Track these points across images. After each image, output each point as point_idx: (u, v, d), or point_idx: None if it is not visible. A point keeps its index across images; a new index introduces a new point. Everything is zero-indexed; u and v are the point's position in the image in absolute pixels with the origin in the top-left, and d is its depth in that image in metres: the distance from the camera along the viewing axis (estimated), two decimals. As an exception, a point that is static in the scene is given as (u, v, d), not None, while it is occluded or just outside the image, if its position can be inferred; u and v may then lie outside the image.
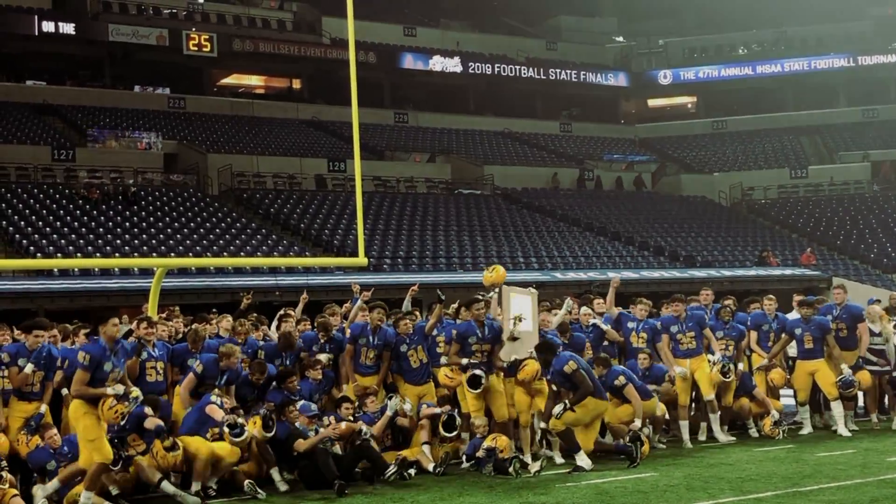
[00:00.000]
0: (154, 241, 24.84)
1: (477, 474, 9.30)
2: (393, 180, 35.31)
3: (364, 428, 9.30)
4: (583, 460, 9.30)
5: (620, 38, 53.37)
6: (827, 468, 9.02)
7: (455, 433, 9.48)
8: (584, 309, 11.26)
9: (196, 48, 38.32)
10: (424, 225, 31.02)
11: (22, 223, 24.68)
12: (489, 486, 8.64)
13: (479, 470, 9.29)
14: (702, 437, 11.06)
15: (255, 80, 43.81)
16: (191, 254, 23.93)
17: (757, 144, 45.23)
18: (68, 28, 36.68)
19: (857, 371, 11.33)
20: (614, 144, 46.15)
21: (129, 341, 8.53)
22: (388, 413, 9.53)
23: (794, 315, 11.99)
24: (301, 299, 11.64)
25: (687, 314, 11.04)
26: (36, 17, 36.34)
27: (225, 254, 24.55)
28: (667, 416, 10.94)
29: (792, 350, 11.75)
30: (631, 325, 11.10)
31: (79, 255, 22.76)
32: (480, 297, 10.16)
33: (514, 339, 9.71)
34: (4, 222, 24.67)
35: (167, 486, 8.25)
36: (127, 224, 26.14)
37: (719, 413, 10.88)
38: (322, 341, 10.27)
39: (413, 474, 9.07)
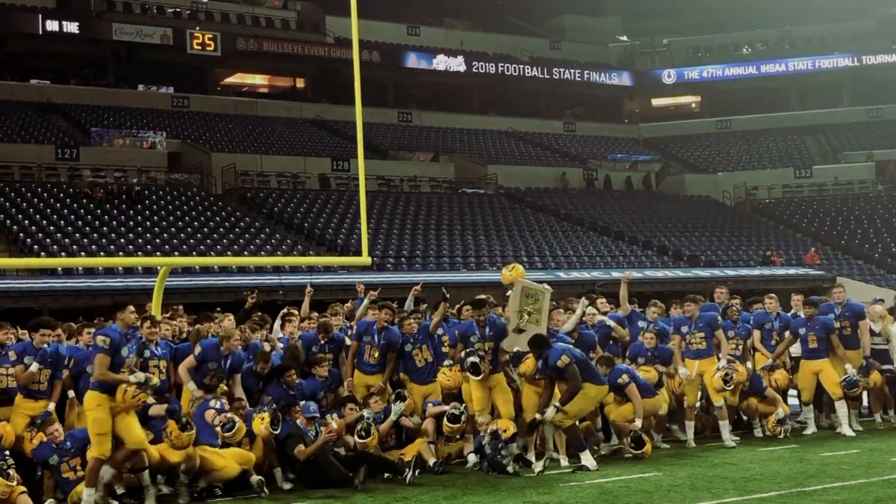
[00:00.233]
0: (158, 240, 24.86)
1: (481, 474, 9.30)
2: (396, 179, 35.31)
3: (366, 413, 9.30)
4: (587, 459, 9.29)
5: (624, 38, 53.30)
6: (831, 468, 9.01)
7: (459, 425, 9.44)
8: (588, 308, 11.25)
9: (200, 47, 38.35)
10: (428, 224, 31.02)
11: (26, 222, 24.72)
12: (493, 486, 8.64)
13: (485, 465, 9.27)
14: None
15: (258, 80, 43.84)
16: (195, 253, 23.96)
17: (761, 144, 45.16)
18: (72, 27, 36.72)
19: (868, 373, 11.31)
20: (618, 144, 46.11)
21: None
22: (392, 417, 9.53)
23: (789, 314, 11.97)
24: (306, 293, 11.65)
25: (698, 315, 10.95)
26: (40, 16, 36.39)
27: (229, 253, 24.57)
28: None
29: (794, 350, 11.72)
30: (641, 324, 11.11)
31: (83, 253, 22.80)
32: (486, 297, 10.16)
33: (519, 331, 9.74)
34: (9, 221, 24.72)
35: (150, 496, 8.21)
36: (131, 223, 26.17)
37: (728, 420, 10.81)
38: (322, 342, 10.26)
39: (418, 473, 9.08)
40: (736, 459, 9.67)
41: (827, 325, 11.23)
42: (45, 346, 8.86)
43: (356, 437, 9.15)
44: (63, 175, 29.82)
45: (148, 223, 26.39)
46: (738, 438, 10.86)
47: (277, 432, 8.76)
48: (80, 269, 21.63)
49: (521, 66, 45.74)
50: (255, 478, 8.55)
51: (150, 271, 19.96)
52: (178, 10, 40.73)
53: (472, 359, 9.56)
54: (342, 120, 38.22)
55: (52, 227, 24.65)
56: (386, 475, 9.10)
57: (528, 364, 9.77)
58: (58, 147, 31.23)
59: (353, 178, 32.25)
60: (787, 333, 11.52)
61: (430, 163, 38.43)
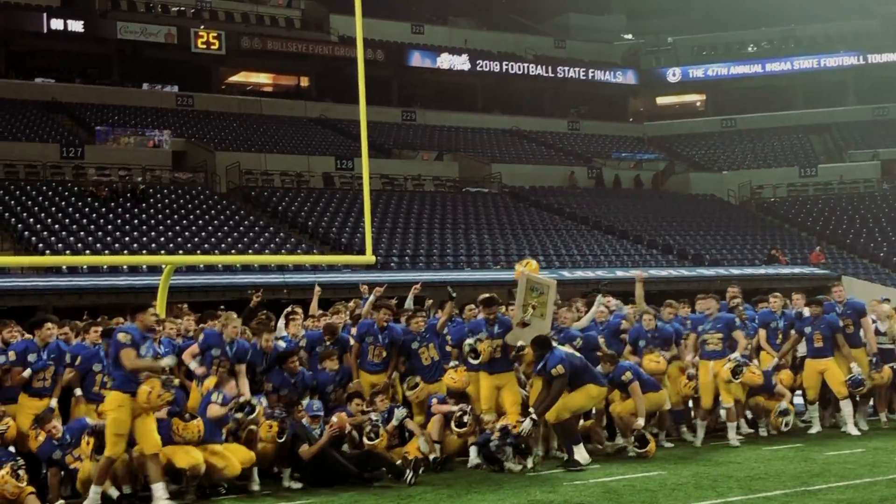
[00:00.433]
0: (162, 239, 24.89)
1: (484, 472, 9.29)
2: (400, 178, 35.32)
3: (373, 416, 9.31)
4: (580, 455, 9.28)
5: (629, 36, 53.24)
6: (836, 467, 8.98)
7: (465, 429, 9.43)
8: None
9: (204, 46, 38.39)
10: (432, 223, 31.02)
11: (31, 220, 24.77)
12: (497, 484, 8.63)
13: (492, 461, 9.26)
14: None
15: (263, 78, 43.88)
16: (199, 251, 23.99)
17: (766, 143, 45.07)
18: (77, 26, 36.78)
19: (878, 370, 11.28)
20: (623, 142, 46.05)
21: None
22: (394, 423, 9.50)
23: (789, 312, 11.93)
24: (315, 292, 11.65)
25: (717, 315, 10.78)
26: (45, 14, 36.46)
27: (233, 251, 24.60)
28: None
29: (800, 349, 11.68)
30: (669, 329, 11.03)
31: (87, 252, 22.85)
32: (494, 296, 10.18)
33: (524, 324, 9.73)
34: (14, 220, 24.77)
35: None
36: (135, 221, 26.20)
37: (736, 422, 10.77)
38: (328, 343, 10.27)
39: (421, 471, 9.08)
40: (740, 458, 9.65)
41: (832, 324, 11.20)
42: (49, 342, 8.88)
43: (365, 438, 9.15)
44: (68, 174, 29.88)
45: (152, 222, 26.43)
46: (742, 437, 10.83)
47: (282, 441, 8.75)
48: (85, 267, 21.70)
49: (526, 65, 45.71)
50: (254, 485, 8.56)
51: (155, 270, 19.97)
52: (182, 8, 40.79)
53: (468, 341, 9.63)
54: (346, 119, 38.26)
55: (56, 226, 24.70)
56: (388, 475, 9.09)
57: (530, 356, 9.77)
58: (62, 146, 31.30)
59: (356, 177, 32.19)
60: (792, 332, 11.48)
61: (433, 162, 38.41)
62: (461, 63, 44.30)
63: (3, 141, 30.83)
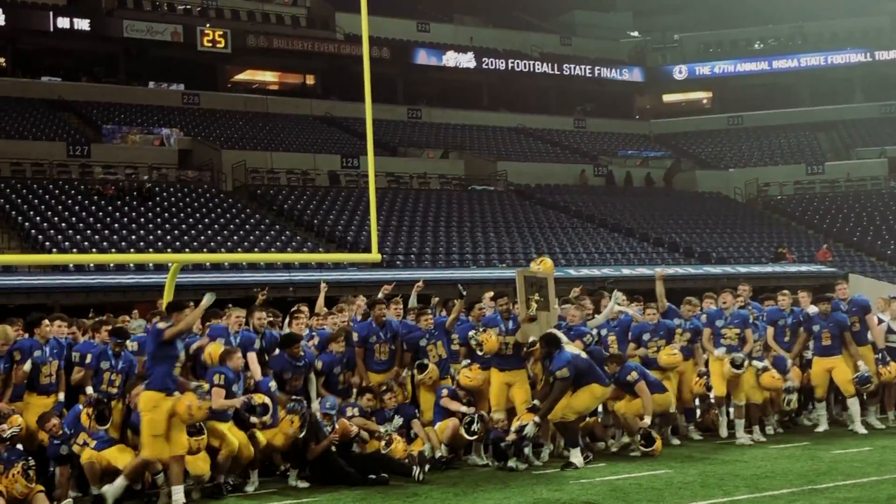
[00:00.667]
0: (169, 237, 24.93)
1: (490, 470, 9.29)
2: (406, 176, 35.30)
3: (383, 429, 9.30)
4: (576, 457, 9.28)
5: (635, 33, 53.12)
6: (843, 465, 8.96)
7: (475, 437, 9.38)
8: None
9: (210, 44, 38.42)
10: (438, 221, 31.01)
11: (38, 219, 24.82)
12: (503, 482, 8.63)
13: (500, 458, 9.24)
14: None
15: (268, 77, 43.90)
16: (205, 249, 24.02)
17: (773, 140, 44.94)
18: (83, 24, 36.83)
19: (885, 365, 11.23)
20: (629, 140, 45.95)
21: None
22: (391, 429, 9.43)
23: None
24: (321, 289, 11.66)
25: (732, 311, 10.81)
26: (51, 13, 36.52)
27: (239, 249, 24.62)
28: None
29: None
30: (677, 321, 11.00)
31: (94, 250, 22.89)
32: (503, 291, 10.20)
33: (531, 319, 9.72)
34: (20, 218, 24.83)
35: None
36: (142, 220, 26.25)
37: (744, 420, 10.74)
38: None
39: (428, 468, 9.07)
40: (747, 457, 9.63)
41: (841, 322, 11.16)
42: (48, 338, 8.91)
43: (382, 448, 9.14)
44: (74, 172, 29.94)
45: (159, 220, 26.47)
46: (750, 435, 10.78)
47: (302, 434, 8.75)
48: (92, 265, 21.74)
49: (532, 63, 45.64)
50: (250, 486, 8.59)
51: (162, 268, 20.01)
52: (188, 7, 40.83)
53: (471, 333, 9.69)
54: (352, 117, 38.24)
55: (63, 224, 24.75)
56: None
57: (538, 352, 9.77)
58: (69, 144, 31.37)
59: (362, 175, 32.23)
60: (801, 330, 11.43)
61: (439, 159, 38.39)
62: (467, 61, 44.25)
63: (10, 139, 30.90)
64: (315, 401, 9.42)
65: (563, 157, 41.44)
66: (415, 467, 8.76)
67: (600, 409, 10.46)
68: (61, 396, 8.83)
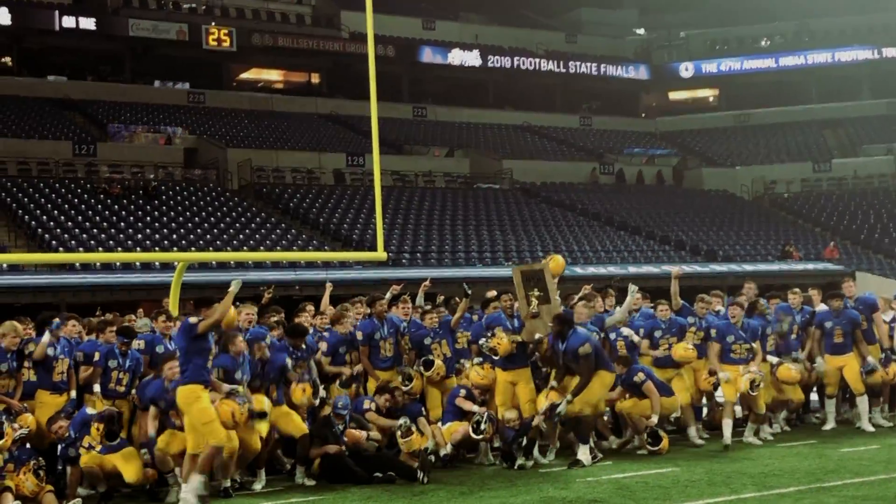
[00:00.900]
0: (174, 236, 24.97)
1: (496, 469, 9.27)
2: (412, 175, 35.29)
3: (400, 421, 9.26)
4: (584, 454, 9.24)
5: (641, 31, 53.01)
6: (850, 463, 8.93)
7: (482, 437, 9.33)
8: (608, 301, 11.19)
9: (215, 43, 38.44)
10: (443, 219, 30.99)
11: (44, 218, 24.88)
12: (510, 481, 8.61)
13: (507, 459, 9.23)
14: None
15: (274, 75, 43.92)
16: (211, 248, 24.05)
17: (780, 138, 44.82)
18: (89, 23, 36.89)
19: (888, 365, 11.19)
20: (635, 138, 45.86)
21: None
22: (398, 434, 9.43)
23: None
24: (326, 287, 11.65)
25: (743, 323, 10.47)
26: (56, 12, 36.59)
27: (245, 248, 24.65)
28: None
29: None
30: (690, 319, 10.91)
31: (100, 249, 22.95)
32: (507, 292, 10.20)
33: (533, 316, 9.70)
34: (27, 217, 24.89)
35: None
36: (148, 218, 26.29)
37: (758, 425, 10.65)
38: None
39: (433, 460, 9.07)
40: (754, 455, 9.60)
41: (853, 319, 11.10)
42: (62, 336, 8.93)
43: (399, 439, 9.13)
44: (80, 171, 30.02)
45: (165, 219, 26.51)
46: (762, 439, 10.72)
47: (317, 402, 8.74)
48: (98, 264, 21.79)
49: (537, 60, 45.59)
50: (258, 484, 8.60)
51: (168, 266, 20.03)
52: (193, 5, 40.88)
53: (482, 341, 9.67)
54: (357, 115, 38.24)
55: (69, 223, 24.80)
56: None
57: (542, 348, 9.75)
58: (75, 143, 31.43)
59: (368, 174, 32.25)
60: (813, 328, 11.32)
61: (445, 158, 38.37)
62: (472, 59, 44.21)
63: (16, 138, 30.99)
64: (321, 388, 9.39)
65: (569, 155, 41.39)
66: (419, 472, 8.75)
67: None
68: (73, 394, 8.84)
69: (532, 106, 45.57)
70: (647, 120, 48.45)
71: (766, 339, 10.82)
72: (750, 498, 7.65)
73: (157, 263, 21.63)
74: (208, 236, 25.39)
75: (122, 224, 25.53)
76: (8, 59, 37.97)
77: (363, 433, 9.10)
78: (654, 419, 9.88)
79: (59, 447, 8.40)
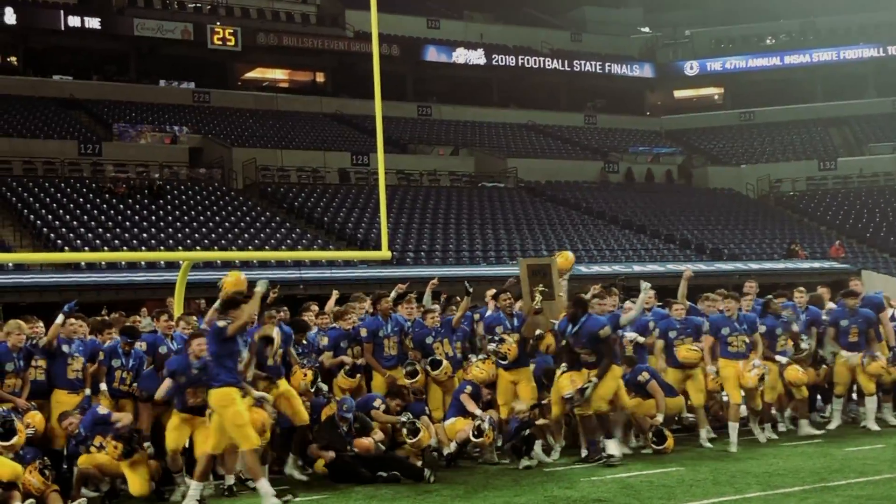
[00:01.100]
0: (180, 235, 25.00)
1: (501, 468, 9.26)
2: (416, 174, 35.28)
3: (404, 418, 9.25)
4: (614, 448, 9.22)
5: (646, 29, 52.92)
6: (855, 463, 8.91)
7: (482, 440, 9.28)
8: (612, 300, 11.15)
9: (220, 42, 38.49)
10: (448, 218, 30.99)
11: (49, 217, 24.93)
12: (514, 480, 8.61)
13: (517, 453, 9.23)
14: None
15: (278, 74, 43.95)
16: (216, 247, 24.07)
17: (785, 136, 44.72)
18: (94, 23, 36.96)
19: (893, 365, 11.15)
20: (640, 136, 45.79)
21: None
22: (404, 433, 9.42)
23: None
24: (333, 295, 11.67)
25: (739, 315, 10.37)
26: (62, 12, 36.67)
27: (250, 247, 24.67)
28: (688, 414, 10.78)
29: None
30: (698, 318, 10.84)
31: (105, 248, 22.99)
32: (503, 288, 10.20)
33: (536, 311, 9.68)
34: (32, 216, 24.95)
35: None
36: (153, 218, 26.33)
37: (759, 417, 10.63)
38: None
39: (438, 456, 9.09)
40: (759, 454, 9.59)
41: (869, 317, 11.08)
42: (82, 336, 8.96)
43: (406, 438, 9.14)
44: (86, 170, 30.07)
45: (170, 218, 26.55)
46: (775, 436, 10.66)
47: (313, 391, 8.79)
48: (103, 263, 21.81)
49: (542, 59, 45.55)
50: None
51: (173, 266, 20.04)
52: (198, 5, 40.91)
53: (490, 346, 9.66)
54: (362, 114, 38.25)
55: (75, 222, 24.85)
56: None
57: (545, 343, 9.72)
58: (80, 142, 31.49)
59: (372, 173, 32.25)
60: (828, 327, 11.26)
61: (449, 157, 38.36)
62: (477, 58, 44.17)
63: (22, 138, 31.07)
64: (325, 388, 9.40)
65: (574, 154, 41.35)
66: (426, 471, 8.75)
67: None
68: (87, 392, 8.86)
69: (537, 104, 45.53)
70: (652, 118, 48.38)
71: (778, 339, 10.70)
72: (755, 497, 7.63)
73: (162, 263, 21.65)
74: (213, 235, 25.42)
75: (128, 223, 25.57)
76: (13, 59, 38.06)
77: (372, 441, 9.03)
78: (660, 418, 9.87)
79: (68, 444, 8.38)
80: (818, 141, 44.43)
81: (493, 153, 39.02)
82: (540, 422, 9.59)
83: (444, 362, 9.92)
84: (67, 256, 20.82)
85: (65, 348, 8.76)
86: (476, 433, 9.18)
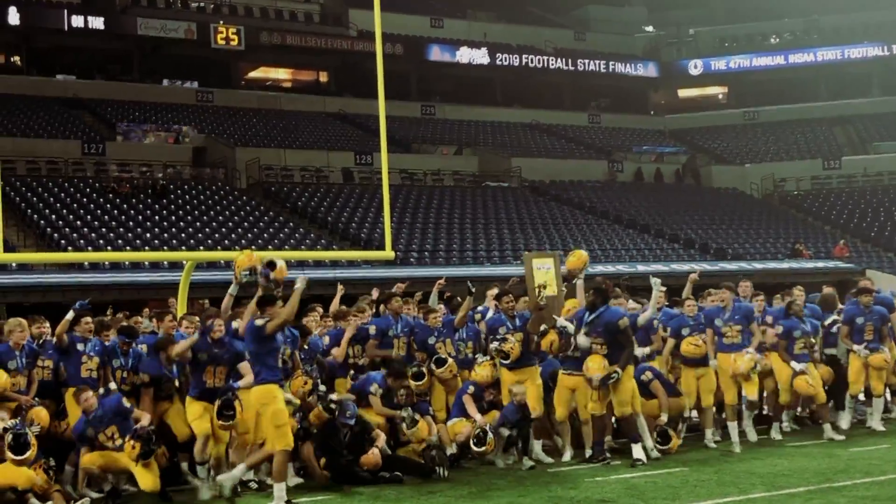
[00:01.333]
0: (183, 235, 25.01)
1: (505, 469, 9.24)
2: (420, 173, 35.28)
3: (404, 413, 9.22)
4: (639, 453, 9.17)
5: (650, 28, 52.85)
6: (860, 463, 8.89)
7: (484, 448, 9.19)
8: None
9: (224, 41, 38.47)
10: (451, 218, 30.97)
11: (53, 217, 24.96)
12: (518, 480, 8.60)
13: (513, 437, 9.21)
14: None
15: (282, 74, 43.95)
16: (219, 247, 24.07)
17: (789, 135, 44.65)
18: (97, 22, 36.98)
19: None
20: (644, 136, 45.74)
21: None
22: (403, 426, 9.40)
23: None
24: (338, 289, 11.64)
25: (734, 305, 10.37)
26: (65, 11, 36.69)
27: (253, 247, 24.51)
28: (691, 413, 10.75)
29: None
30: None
31: (109, 248, 23.01)
32: (505, 287, 10.17)
33: (540, 308, 9.66)
34: (36, 216, 24.97)
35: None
36: (156, 218, 26.35)
37: (755, 412, 10.62)
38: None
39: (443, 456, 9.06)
40: (763, 455, 9.56)
41: (883, 315, 11.05)
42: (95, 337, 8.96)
43: (406, 431, 9.11)
44: (89, 170, 30.11)
45: (173, 218, 26.56)
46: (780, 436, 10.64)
47: (309, 399, 8.78)
48: (107, 263, 21.82)
49: (545, 58, 45.49)
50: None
51: (176, 265, 20.02)
52: (201, 4, 40.96)
53: (493, 346, 9.62)
54: (365, 113, 38.21)
55: (78, 222, 24.88)
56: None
57: (546, 340, 9.70)
58: (84, 142, 31.54)
59: (376, 172, 32.25)
60: (841, 325, 11.20)
61: (453, 156, 38.35)
62: (480, 57, 44.13)
63: (25, 137, 31.11)
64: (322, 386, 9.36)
65: (578, 153, 41.31)
66: (438, 468, 8.72)
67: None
68: (102, 391, 8.86)
69: (540, 104, 45.47)
70: (656, 117, 48.32)
71: (795, 342, 10.61)
72: (759, 498, 7.61)
73: (165, 262, 21.65)
74: (217, 235, 25.43)
75: (131, 223, 25.59)
76: (17, 59, 38.11)
77: (377, 455, 8.86)
78: (664, 418, 9.83)
79: (76, 424, 8.23)
80: (822, 140, 44.35)
81: (497, 152, 38.99)
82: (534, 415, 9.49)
83: (450, 360, 9.89)
84: (71, 256, 20.83)
85: (79, 346, 8.76)
86: (476, 441, 9.11)
